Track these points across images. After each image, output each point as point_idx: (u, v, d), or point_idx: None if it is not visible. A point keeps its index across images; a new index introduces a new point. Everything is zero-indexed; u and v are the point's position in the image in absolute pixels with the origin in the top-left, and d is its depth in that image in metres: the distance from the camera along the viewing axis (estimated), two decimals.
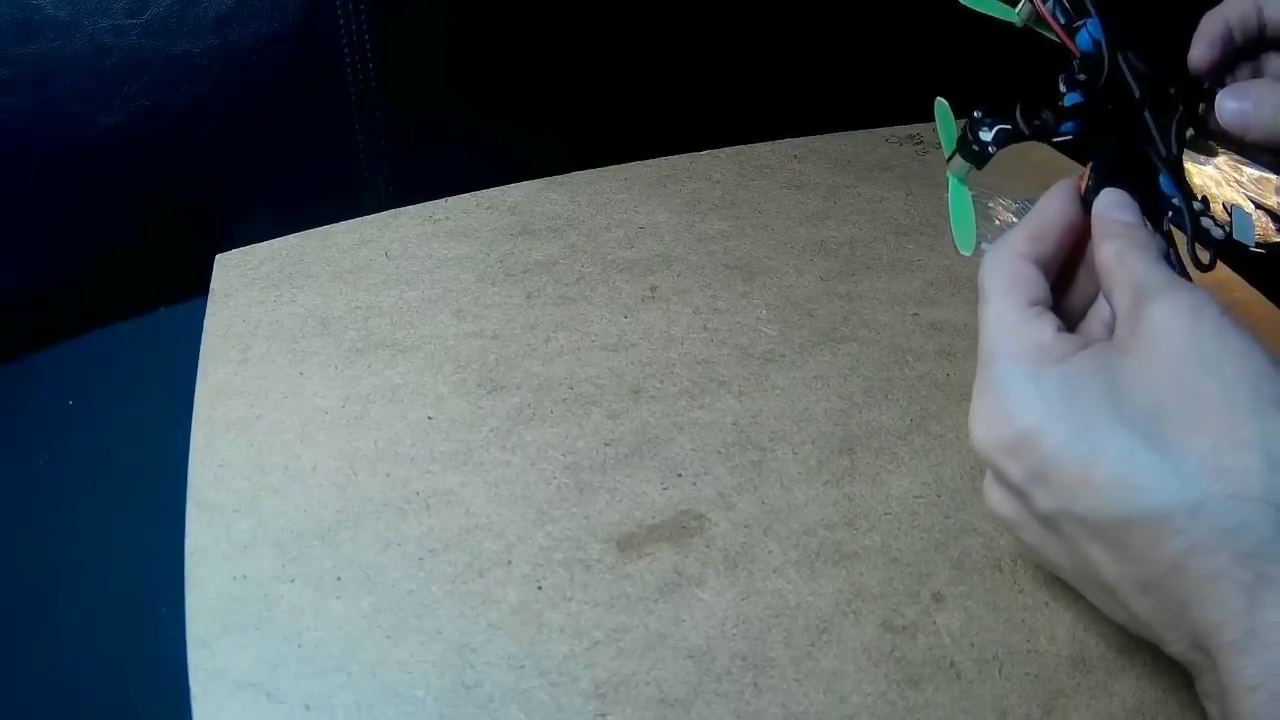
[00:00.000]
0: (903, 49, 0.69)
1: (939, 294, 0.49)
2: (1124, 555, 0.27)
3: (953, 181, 0.36)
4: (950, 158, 0.35)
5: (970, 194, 0.36)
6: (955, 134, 0.35)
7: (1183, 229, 0.34)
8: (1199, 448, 0.26)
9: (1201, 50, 0.35)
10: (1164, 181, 0.34)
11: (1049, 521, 0.29)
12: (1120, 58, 0.34)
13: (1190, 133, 0.36)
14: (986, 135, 0.34)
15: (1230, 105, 0.33)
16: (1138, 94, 0.34)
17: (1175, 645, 0.27)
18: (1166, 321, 0.28)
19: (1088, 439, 0.27)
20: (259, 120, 0.56)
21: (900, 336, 0.46)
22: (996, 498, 0.31)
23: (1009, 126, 0.34)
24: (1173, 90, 0.35)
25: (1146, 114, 0.34)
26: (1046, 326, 0.30)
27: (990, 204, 0.55)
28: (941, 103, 0.36)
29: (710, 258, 0.51)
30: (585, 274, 0.49)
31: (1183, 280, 0.30)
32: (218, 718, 0.30)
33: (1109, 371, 0.28)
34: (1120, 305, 0.30)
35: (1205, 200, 0.35)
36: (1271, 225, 0.59)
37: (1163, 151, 0.34)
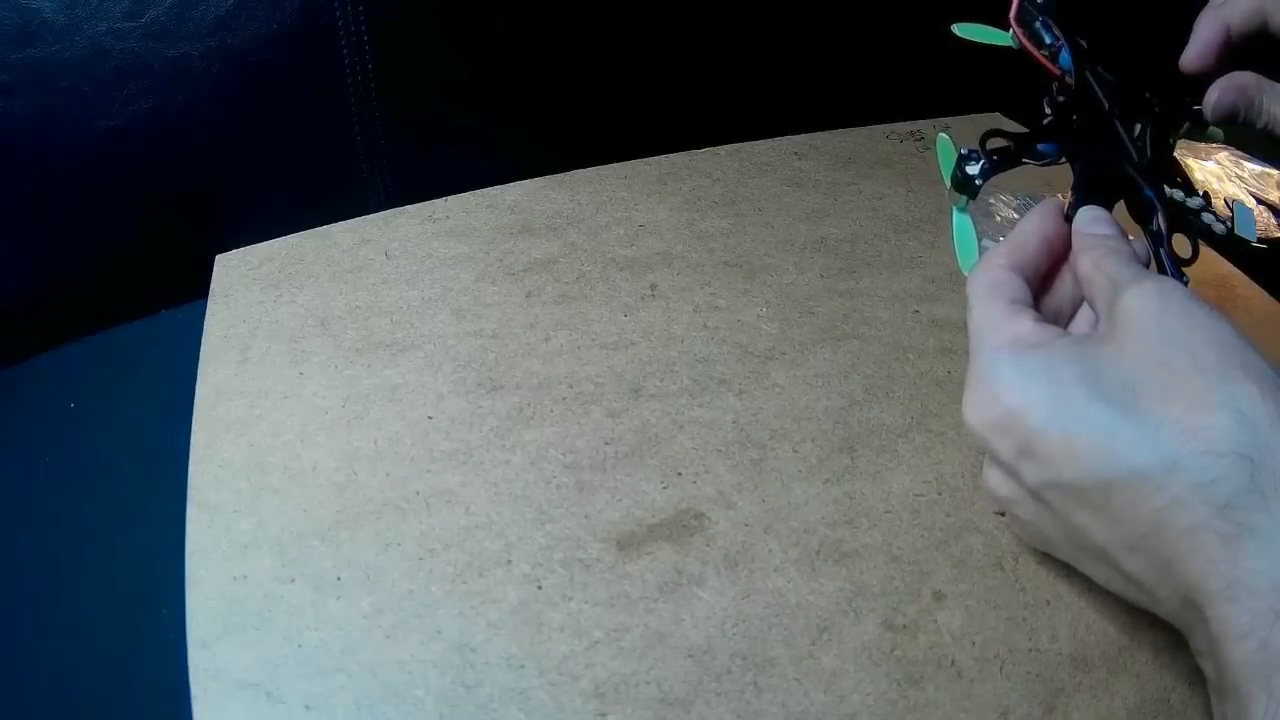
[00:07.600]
0: (903, 45, 0.69)
1: (940, 291, 0.49)
2: (1110, 517, 0.29)
3: (954, 210, 0.39)
4: (949, 189, 0.38)
5: (970, 218, 0.38)
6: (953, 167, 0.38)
7: (1179, 227, 0.35)
8: (1172, 413, 0.27)
9: (1196, 56, 0.37)
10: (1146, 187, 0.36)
11: (1038, 494, 0.31)
12: (1088, 72, 0.37)
13: (1187, 126, 0.37)
14: (973, 170, 0.36)
15: (1215, 97, 0.36)
16: (1106, 106, 0.37)
17: (1167, 604, 0.28)
18: (1136, 306, 0.30)
19: (1068, 414, 0.29)
20: (259, 121, 0.56)
21: (901, 334, 0.46)
22: (992, 478, 0.34)
23: (994, 158, 0.37)
24: (1146, 94, 0.37)
25: (1117, 123, 0.36)
26: (1025, 319, 0.32)
27: (992, 200, 0.55)
28: (943, 138, 0.38)
29: (710, 255, 0.51)
30: (585, 272, 0.49)
31: (1151, 272, 0.32)
32: (218, 718, 0.30)
33: (1088, 358, 0.30)
34: (1100, 306, 0.32)
35: (1207, 196, 0.36)
36: (1273, 220, 0.59)
37: (1135, 158, 0.36)
